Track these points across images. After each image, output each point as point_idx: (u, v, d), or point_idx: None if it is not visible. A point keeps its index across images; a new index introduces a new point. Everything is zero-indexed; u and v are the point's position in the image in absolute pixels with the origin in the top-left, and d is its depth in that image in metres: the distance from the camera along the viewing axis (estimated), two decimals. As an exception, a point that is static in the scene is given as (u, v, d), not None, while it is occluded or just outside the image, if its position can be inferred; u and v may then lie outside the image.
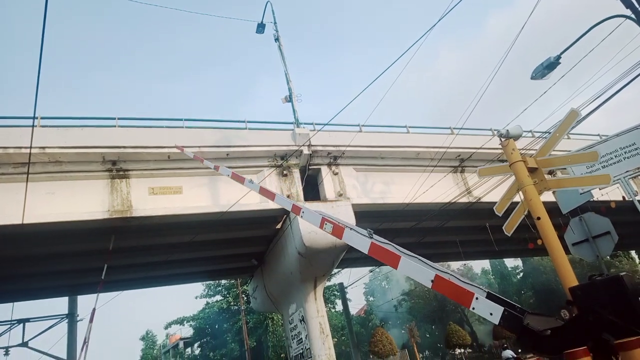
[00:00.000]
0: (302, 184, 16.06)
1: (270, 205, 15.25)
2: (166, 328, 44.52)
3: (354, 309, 43.31)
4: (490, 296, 4.42)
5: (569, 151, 8.31)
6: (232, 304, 34.20)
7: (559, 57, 9.93)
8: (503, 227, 5.53)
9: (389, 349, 22.95)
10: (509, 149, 5.01)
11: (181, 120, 14.92)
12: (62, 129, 13.11)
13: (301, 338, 17.02)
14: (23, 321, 21.02)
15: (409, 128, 17.87)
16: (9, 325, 20.86)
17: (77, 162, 13.12)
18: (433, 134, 17.99)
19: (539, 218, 4.63)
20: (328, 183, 16.35)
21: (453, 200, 16.41)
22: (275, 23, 18.11)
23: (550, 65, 10.11)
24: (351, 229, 5.75)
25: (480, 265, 54.14)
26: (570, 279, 4.40)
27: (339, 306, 37.36)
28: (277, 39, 17.83)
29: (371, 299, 50.29)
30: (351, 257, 20.73)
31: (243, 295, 29.28)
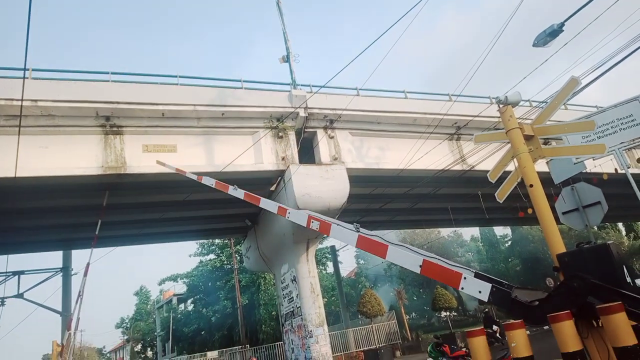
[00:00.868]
0: (297, 146, 16.00)
1: (265, 167, 15.28)
2: (160, 284, 45.44)
3: (344, 271, 44.31)
4: (477, 275, 4.55)
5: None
6: (225, 263, 34.76)
7: (562, 24, 9.74)
8: (495, 194, 5.59)
9: (377, 310, 23.67)
10: (506, 116, 4.99)
11: (175, 77, 14.64)
12: (55, 82, 12.85)
13: (292, 297, 17.44)
14: (18, 273, 21.31)
15: (407, 93, 17.69)
16: (4, 277, 21.15)
17: (70, 117, 12.95)
18: (431, 100, 17.84)
19: (531, 185, 4.67)
20: (323, 146, 16.31)
21: (447, 168, 16.49)
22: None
23: (553, 33, 9.93)
24: (338, 224, 5.90)
25: (469, 233, 55.04)
26: (559, 247, 4.49)
27: (330, 268, 38.13)
28: (276, -4, 17.28)
29: (362, 262, 51.30)
30: (345, 221, 20.97)
31: (236, 255, 29.71)
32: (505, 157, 5.26)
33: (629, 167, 7.30)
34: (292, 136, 16.02)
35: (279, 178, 16.09)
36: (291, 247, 16.78)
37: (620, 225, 45.11)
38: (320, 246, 33.48)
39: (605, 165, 14.70)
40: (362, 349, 20.67)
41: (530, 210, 12.21)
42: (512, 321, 4.03)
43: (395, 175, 16.65)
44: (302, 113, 15.58)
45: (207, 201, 17.29)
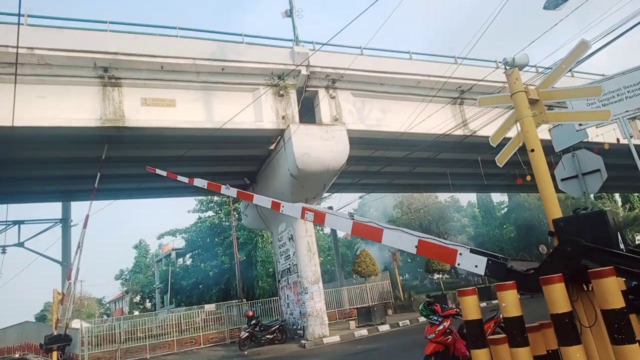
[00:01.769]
0: (298, 105, 15.82)
1: (265, 125, 15.15)
2: (159, 238, 46.17)
3: (341, 232, 44.84)
4: (473, 251, 4.60)
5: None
6: (223, 220, 35.16)
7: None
8: (495, 158, 5.55)
9: (372, 270, 24.16)
10: (512, 78, 4.88)
11: (175, 29, 14.26)
12: (52, 30, 12.53)
13: (289, 255, 17.76)
14: (18, 222, 21.55)
15: (411, 54, 17.32)
16: (5, 226, 21.41)
17: (68, 67, 12.71)
18: (436, 63, 17.48)
19: (532, 150, 4.63)
20: (324, 106, 16.12)
21: (448, 132, 16.36)
22: None
23: (565, -5, 9.61)
24: (332, 213, 5.90)
25: (466, 199, 55.45)
26: (555, 212, 4.50)
27: (327, 229, 38.62)
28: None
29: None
30: (343, 183, 21.04)
31: (234, 213, 29.98)
32: (508, 120, 5.18)
33: (631, 137, 7.24)
34: (293, 95, 15.80)
35: (279, 137, 15.99)
36: (289, 206, 16.87)
37: (617, 196, 45.39)
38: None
39: (607, 134, 14.57)
40: (355, 307, 21.24)
41: (528, 177, 12.18)
42: (503, 282, 4.10)
43: (395, 138, 16.55)
44: (303, 71, 15.30)
45: (206, 158, 17.27)
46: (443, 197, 43.56)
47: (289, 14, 15.71)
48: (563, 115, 5.30)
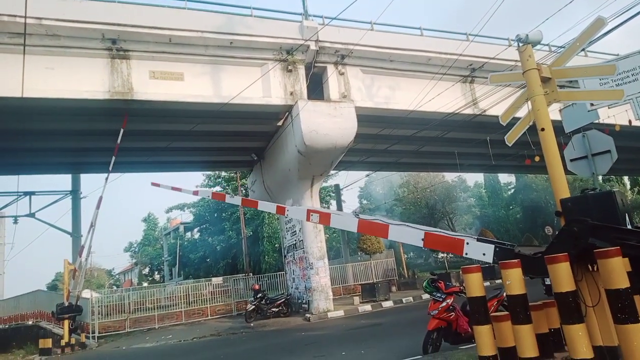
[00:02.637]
0: (306, 81, 15.68)
1: (273, 101, 15.07)
2: (167, 212, 46.72)
3: (347, 210, 45.01)
4: (479, 240, 4.63)
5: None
6: (230, 195, 35.42)
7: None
8: (505, 137, 5.51)
9: (377, 247, 24.34)
10: (525, 55, 4.80)
11: (183, 0, 14.06)
12: (60, 1, 12.42)
13: (295, 231, 17.92)
14: (29, 193, 21.85)
15: (422, 30, 17.00)
16: (16, 197, 21.72)
17: (76, 38, 12.65)
18: (447, 39, 17.15)
19: (543, 129, 4.59)
20: (333, 83, 15.97)
21: (458, 111, 16.19)
22: None
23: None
24: (337, 213, 5.94)
25: (473, 179, 55.22)
26: (564, 192, 4.48)
27: (334, 206, 38.78)
28: None
29: (365, 202, 52.04)
30: (349, 161, 21.02)
31: (242, 188, 30.16)
32: (519, 99, 5.12)
33: (644, 118, 7.13)
34: (301, 70, 15.64)
35: (287, 113, 15.92)
36: (296, 183, 16.95)
37: (625, 179, 44.95)
38: (324, 184, 33.85)
39: (619, 116, 14.39)
40: (359, 283, 21.50)
41: (537, 158, 12.07)
42: (508, 261, 4.13)
43: (404, 117, 16.41)
44: (312, 46, 15.11)
45: (214, 133, 17.26)
46: (450, 177, 43.45)
47: (299, -13, 15.42)
48: (575, 94, 5.23)
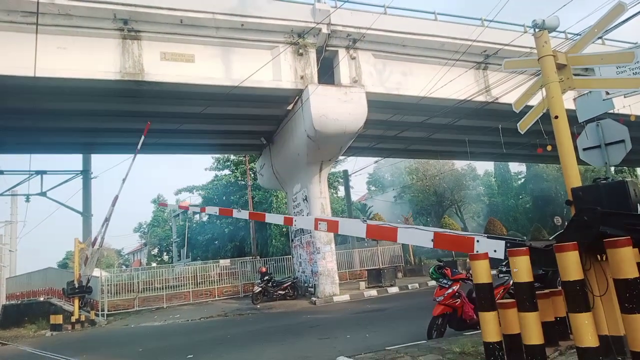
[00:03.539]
0: (317, 65, 15.56)
1: (283, 84, 15.00)
2: (176, 194, 47.04)
3: (355, 196, 45.12)
4: (490, 237, 4.61)
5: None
6: (239, 179, 35.51)
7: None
8: (517, 125, 5.44)
9: (384, 234, 24.43)
10: (540, 41, 4.70)
11: (195, -19, 13.93)
12: (71, -20, 12.38)
13: (303, 215, 17.97)
14: (41, 172, 22.10)
15: (437, 15, 16.72)
16: (28, 175, 22.00)
17: (88, 18, 12.65)
18: (461, 24, 16.84)
19: (556, 117, 4.52)
20: (344, 67, 15.83)
21: (470, 98, 15.99)
22: None
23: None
24: (345, 220, 5.98)
25: (483, 167, 54.82)
26: (575, 181, 4.43)
27: (342, 192, 38.85)
28: None
29: (373, 188, 51.98)
30: (359, 146, 20.95)
31: (250, 172, 30.26)
32: (534, 85, 5.04)
33: (661, 108, 6.98)
34: (312, 54, 15.52)
35: (297, 97, 15.85)
36: (304, 168, 16.96)
37: (638, 170, 44.31)
38: (333, 170, 33.79)
39: (635, 106, 14.14)
40: (365, 268, 21.60)
41: (549, 147, 11.91)
42: (516, 248, 4.11)
43: (415, 103, 16.25)
44: (324, 29, 14.94)
45: (224, 116, 17.25)
46: (460, 165, 43.13)
47: (312, -32, 15.19)
48: (591, 81, 5.14)
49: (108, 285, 18.63)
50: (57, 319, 16.13)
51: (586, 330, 3.53)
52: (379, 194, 44.53)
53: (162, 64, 13.59)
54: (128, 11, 12.83)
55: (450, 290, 6.59)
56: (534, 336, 3.82)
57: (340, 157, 25.23)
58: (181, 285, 20.48)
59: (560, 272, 3.77)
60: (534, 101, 5.32)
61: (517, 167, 49.81)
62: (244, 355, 7.39)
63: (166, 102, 15.49)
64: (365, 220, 5.61)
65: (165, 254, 53.24)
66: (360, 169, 69.37)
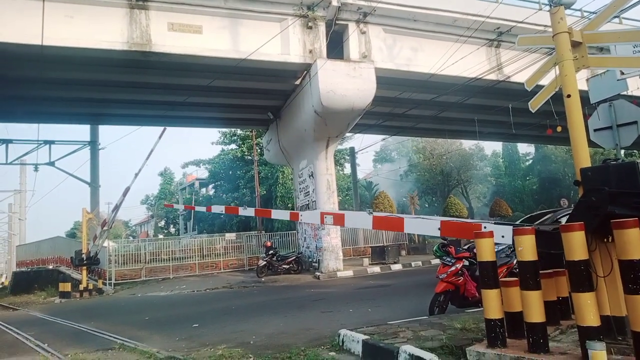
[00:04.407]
0: (326, 39, 15.33)
1: (292, 58, 14.83)
2: (183, 167, 47.28)
3: (361, 174, 45.06)
4: (497, 223, 4.59)
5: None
6: (245, 154, 35.52)
7: None
8: (529, 103, 5.35)
9: (389, 211, 24.47)
10: (556, 17, 4.57)
11: (204, -50, 13.65)
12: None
13: (308, 191, 18.03)
14: (49, 142, 22.21)
15: (450, -11, 16.30)
16: (37, 145, 22.12)
17: (95, -14, 12.48)
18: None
19: (569, 96, 4.43)
20: (354, 42, 15.58)
21: (481, 76, 15.73)
22: None
23: None
24: (350, 213, 5.93)
25: (491, 148, 54.35)
26: (585, 161, 4.37)
27: (348, 169, 38.78)
28: None
29: (379, 166, 51.88)
30: (366, 124, 20.79)
31: (257, 147, 30.23)
32: (547, 63, 4.92)
33: (676, 90, 6.83)
34: (321, 28, 15.27)
35: (305, 72, 15.68)
36: (311, 144, 16.91)
37: (649, 154, 43.78)
38: (339, 147, 33.67)
39: (650, 88, 13.82)
40: (370, 245, 21.76)
41: (559, 128, 11.72)
42: (521, 227, 4.10)
43: (424, 80, 16.03)
44: (334, 2, 14.66)
45: (231, 89, 17.16)
46: (467, 144, 42.81)
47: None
48: (606, 60, 5.01)
49: (116, 255, 18.95)
50: (66, 286, 16.50)
51: (588, 310, 3.53)
52: (385, 173, 44.43)
53: (170, 35, 13.44)
54: (135, -20, 12.64)
55: (453, 268, 6.63)
56: (535, 314, 3.84)
57: (347, 134, 25.07)
58: (187, 257, 20.79)
59: (565, 252, 3.76)
60: (545, 81, 5.22)
61: (525, 148, 49.41)
62: (248, 326, 7.53)
63: (173, 74, 15.39)
64: (371, 212, 5.61)
65: (171, 226, 53.85)
66: (367, 147, 69.21)
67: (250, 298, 12.25)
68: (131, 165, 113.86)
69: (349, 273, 16.08)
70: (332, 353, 4.99)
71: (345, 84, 14.77)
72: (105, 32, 12.68)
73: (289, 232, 22.70)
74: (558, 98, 4.79)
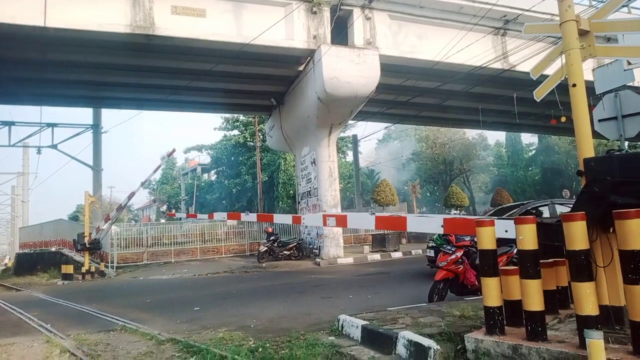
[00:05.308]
0: (331, 25, 15.18)
1: (295, 44, 14.72)
2: (185, 152, 47.28)
3: (364, 162, 44.99)
4: (500, 218, 4.58)
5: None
6: (248, 140, 35.47)
7: None
8: (534, 92, 5.31)
9: (390, 199, 24.50)
10: (564, 5, 4.51)
11: None
12: None
13: (310, 178, 18.03)
14: (52, 125, 22.22)
15: (457, -25, 16.07)
16: (39, 128, 22.13)
17: (97, -33, 12.34)
18: (482, -13, 16.21)
19: (574, 85, 4.39)
20: (358, 28, 15.43)
21: (486, 65, 15.58)
22: None
23: None
24: (353, 214, 5.90)
25: (494, 138, 54.16)
26: (588, 151, 4.35)
27: (350, 157, 38.74)
28: None
29: (381, 154, 51.83)
30: (370, 111, 20.70)
31: (259, 134, 30.16)
32: (554, 52, 4.87)
33: (684, 81, 6.76)
34: (326, 13, 15.12)
35: (309, 58, 15.57)
36: (314, 131, 16.86)
37: (653, 146, 43.56)
38: (342, 134, 33.60)
39: (657, 79, 13.65)
40: (370, 233, 21.82)
41: (563, 119, 11.63)
42: (523, 216, 4.10)
43: (429, 68, 15.91)
44: (340, -14, 14.49)
45: (234, 74, 17.07)
46: (470, 134, 42.64)
47: None
48: (613, 49, 4.95)
49: (118, 239, 19.05)
50: (68, 269, 16.65)
51: (587, 299, 3.55)
52: (387, 160, 44.36)
53: (173, 18, 13.34)
54: (138, -39, 12.50)
55: (453, 256, 6.66)
56: (534, 302, 3.86)
57: (350, 122, 24.98)
58: (189, 242, 20.90)
59: (565, 242, 3.76)
60: (550, 70, 5.17)
61: (529, 139, 49.23)
62: (249, 310, 7.60)
63: (176, 58, 15.30)
64: (374, 213, 5.66)
65: (174, 211, 54.08)
66: (369, 134, 69.06)
67: (251, 283, 12.34)
68: (134, 149, 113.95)
69: (350, 260, 16.16)
70: (332, 338, 5.04)
71: (349, 70, 14.68)
72: (108, 15, 12.58)
73: (291, 218, 22.77)
74: (563, 88, 4.74)
